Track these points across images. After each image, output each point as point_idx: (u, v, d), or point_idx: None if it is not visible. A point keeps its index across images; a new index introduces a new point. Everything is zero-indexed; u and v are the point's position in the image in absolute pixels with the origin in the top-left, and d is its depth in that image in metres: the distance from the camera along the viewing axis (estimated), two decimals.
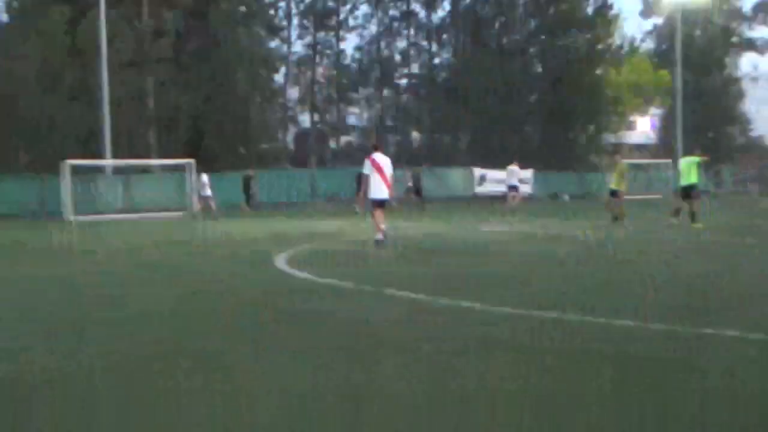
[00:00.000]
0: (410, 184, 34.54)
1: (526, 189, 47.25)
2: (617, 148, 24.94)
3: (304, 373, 5.58)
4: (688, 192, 20.96)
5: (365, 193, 17.72)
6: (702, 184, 36.91)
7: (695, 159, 21.66)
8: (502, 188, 45.88)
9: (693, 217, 20.03)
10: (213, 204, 31.17)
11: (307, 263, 13.28)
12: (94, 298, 10.20)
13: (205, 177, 31.92)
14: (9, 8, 44.19)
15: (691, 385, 5.14)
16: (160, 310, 8.90)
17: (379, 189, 17.28)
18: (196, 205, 33.89)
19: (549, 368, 5.64)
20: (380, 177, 17.25)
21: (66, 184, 33.66)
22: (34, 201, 35.66)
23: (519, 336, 6.66)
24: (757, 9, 64.59)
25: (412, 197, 34.04)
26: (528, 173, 48.75)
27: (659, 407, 4.64)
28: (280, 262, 13.41)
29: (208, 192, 31.46)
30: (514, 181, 37.13)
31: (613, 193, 21.79)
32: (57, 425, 4.53)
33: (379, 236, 16.83)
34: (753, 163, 60.37)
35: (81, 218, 31.06)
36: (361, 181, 26.36)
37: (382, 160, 17.30)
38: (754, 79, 67.50)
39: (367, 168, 17.42)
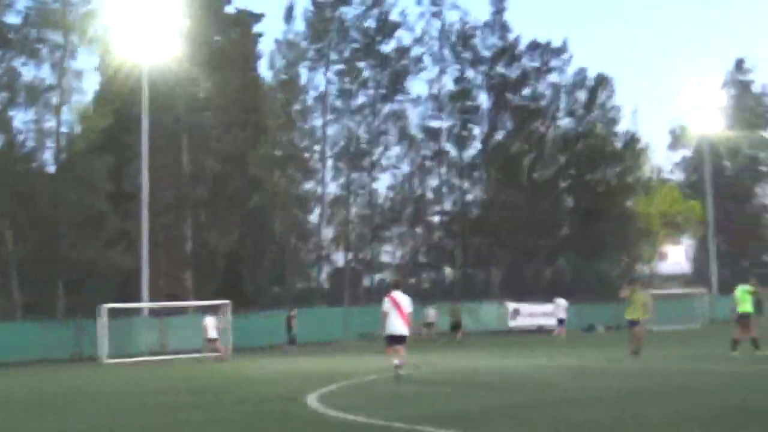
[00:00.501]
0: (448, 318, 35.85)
1: (561, 318, 46.37)
2: (633, 279, 24.83)
3: None
4: (744, 320, 20.43)
5: (382, 329, 17.97)
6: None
7: (748, 288, 20.95)
8: (536, 321, 47.45)
9: (755, 343, 19.60)
10: (220, 346, 30.46)
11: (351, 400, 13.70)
12: None
13: (209, 319, 31.29)
14: (57, 160, 45.36)
15: None
16: None
17: (395, 325, 17.57)
18: (221, 349, 32.70)
19: None
20: (398, 313, 17.53)
21: (102, 327, 33.94)
22: (70, 344, 35.61)
23: None
24: None
25: (446, 333, 35.10)
26: (563, 303, 47.94)
27: None
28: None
29: (214, 334, 30.71)
30: (562, 315, 38.44)
31: (633, 323, 20.82)
32: None
33: (400, 370, 17.08)
34: None
35: (115, 361, 31.23)
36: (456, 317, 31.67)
37: (402, 298, 17.60)
38: None
39: (386, 305, 17.71)
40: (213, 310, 34.55)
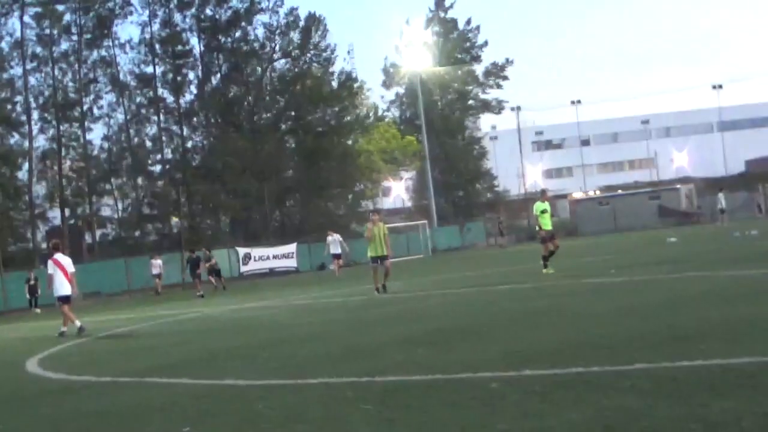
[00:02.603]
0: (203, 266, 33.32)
1: (291, 263, 48.47)
2: (375, 211, 23.86)
3: None
4: (548, 237, 20.61)
5: (51, 290, 18.76)
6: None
7: (544, 205, 21.04)
8: (268, 264, 47.81)
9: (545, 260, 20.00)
10: None
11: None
12: None
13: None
14: None
15: None
16: None
17: (62, 286, 18.24)
18: None
19: None
20: (63, 274, 18.28)
21: None
22: None
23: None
24: (489, 71, 66.80)
25: (212, 280, 33.26)
26: (292, 247, 49.12)
27: None
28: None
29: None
30: (338, 250, 38.71)
31: (376, 260, 19.89)
32: None
33: (63, 329, 17.76)
34: (501, 214, 62.30)
35: None
36: (193, 265, 32.66)
37: (64, 259, 18.49)
38: (493, 139, 71.51)
39: (50, 268, 18.43)
40: None
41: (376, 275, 19.58)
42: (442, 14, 67.62)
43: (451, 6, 67.60)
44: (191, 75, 56.88)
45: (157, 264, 36.53)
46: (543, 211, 20.53)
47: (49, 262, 18.81)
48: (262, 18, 56.37)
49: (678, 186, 60.03)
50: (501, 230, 55.58)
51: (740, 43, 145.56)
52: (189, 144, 56.96)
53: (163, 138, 55.64)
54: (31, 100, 51.33)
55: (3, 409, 8.97)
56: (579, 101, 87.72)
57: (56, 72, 51.53)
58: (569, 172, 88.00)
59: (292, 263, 48.45)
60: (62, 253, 19.16)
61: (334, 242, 39.28)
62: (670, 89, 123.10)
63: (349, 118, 58.83)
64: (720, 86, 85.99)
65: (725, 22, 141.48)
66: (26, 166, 51.23)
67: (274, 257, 48.62)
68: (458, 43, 66.95)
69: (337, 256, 38.92)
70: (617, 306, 11.62)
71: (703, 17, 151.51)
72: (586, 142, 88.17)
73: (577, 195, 63.97)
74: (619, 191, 61.26)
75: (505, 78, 67.71)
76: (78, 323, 17.78)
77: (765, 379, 5.81)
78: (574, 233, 54.40)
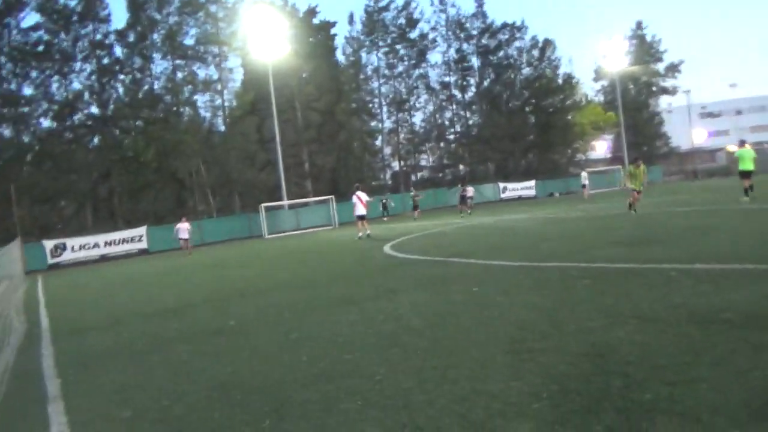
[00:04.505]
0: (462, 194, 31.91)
1: (531, 192, 50.47)
2: (636, 158, 18.19)
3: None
4: (747, 175, 18.15)
5: (354, 211, 20.20)
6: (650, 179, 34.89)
7: (751, 151, 18.54)
8: (518, 193, 49.56)
9: (750, 189, 17.71)
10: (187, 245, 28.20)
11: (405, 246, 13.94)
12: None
13: (180, 225, 28.64)
14: (225, 122, 46.60)
15: None
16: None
17: (360, 209, 19.98)
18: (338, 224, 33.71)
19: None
20: (361, 203, 20.03)
21: (262, 218, 36.19)
22: (246, 229, 38.05)
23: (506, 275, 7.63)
24: (667, 68, 66.86)
25: (460, 206, 32.04)
26: (532, 182, 51.42)
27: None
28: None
29: (186, 236, 28.06)
30: (586, 181, 38.44)
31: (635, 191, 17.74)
32: None
33: (360, 234, 19.25)
34: (674, 163, 63.48)
35: (272, 236, 33.77)
36: (461, 197, 29.98)
37: (363, 195, 20.15)
38: (669, 112, 71.40)
39: (354, 199, 20.23)
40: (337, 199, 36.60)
41: (635, 201, 17.62)
42: (638, 32, 67.35)
43: (645, 27, 67.67)
44: (472, 80, 60.88)
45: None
46: (749, 157, 18.33)
47: (353, 197, 20.41)
48: (516, 43, 60.40)
49: None
50: (696, 173, 54.98)
51: None
52: (470, 122, 60.44)
53: (455, 119, 60.53)
54: (382, 100, 58.54)
55: (377, 272, 10.01)
56: (735, 84, 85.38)
57: (395, 83, 58.95)
58: (727, 133, 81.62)
59: (532, 192, 50.64)
60: (362, 191, 20.50)
61: (584, 177, 38.29)
62: None
63: (569, 102, 60.70)
64: None
65: None
66: (379, 139, 58.83)
67: (520, 188, 50.30)
68: (646, 50, 66.20)
69: (584, 186, 38.03)
70: (761, 225, 10.56)
71: None
72: (739, 112, 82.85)
73: (731, 147, 62.57)
74: (766, 145, 56.97)
75: (679, 71, 66.76)
76: (368, 231, 19.23)
77: None
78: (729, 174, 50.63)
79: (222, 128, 46.78)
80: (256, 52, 40.02)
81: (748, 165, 18.11)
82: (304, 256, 16.32)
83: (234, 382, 4.76)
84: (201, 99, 45.89)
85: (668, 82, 67.75)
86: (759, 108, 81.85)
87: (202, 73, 45.73)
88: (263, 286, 10.41)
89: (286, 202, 39.01)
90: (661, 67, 67.12)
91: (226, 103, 46.53)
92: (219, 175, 44.20)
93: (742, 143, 18.87)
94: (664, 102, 69.97)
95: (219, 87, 45.79)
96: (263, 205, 36.82)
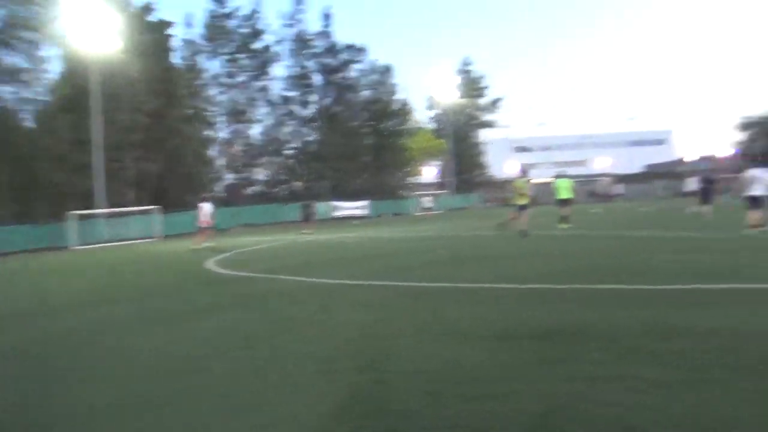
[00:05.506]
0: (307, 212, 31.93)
1: (364, 211, 49.67)
2: (524, 172, 17.53)
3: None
4: (565, 204, 18.29)
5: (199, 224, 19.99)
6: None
7: (567, 182, 18.68)
8: (351, 212, 48.23)
9: (564, 220, 17.82)
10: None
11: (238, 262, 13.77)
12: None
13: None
14: (35, 116, 41.09)
15: None
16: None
17: (206, 221, 20.23)
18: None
19: None
20: (201, 215, 20.24)
21: (73, 226, 32.86)
22: (47, 239, 33.14)
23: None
24: (489, 104, 68.94)
25: (305, 222, 31.50)
26: (366, 202, 50.49)
27: None
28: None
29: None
30: (428, 204, 36.68)
31: (521, 207, 16.70)
32: None
33: (195, 247, 18.94)
34: (490, 191, 64.57)
35: (83, 247, 30.92)
36: (307, 211, 29.42)
37: (208, 206, 20.41)
38: (487, 144, 71.23)
39: (199, 209, 20.45)
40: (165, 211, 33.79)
41: (514, 219, 16.74)
42: (464, 67, 69.95)
43: (471, 64, 70.31)
44: (312, 98, 57.53)
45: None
46: (565, 187, 18.34)
47: (200, 206, 20.56)
48: (357, 66, 57.80)
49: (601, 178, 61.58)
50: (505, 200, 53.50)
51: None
52: (309, 139, 57.40)
53: (294, 135, 56.77)
54: (219, 108, 53.66)
55: (200, 288, 9.76)
56: (544, 123, 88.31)
57: (235, 93, 53.68)
58: (535, 167, 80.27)
59: (365, 212, 49.75)
60: (209, 202, 20.62)
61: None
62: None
63: (403, 127, 59.78)
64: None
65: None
66: (214, 148, 53.30)
67: (353, 208, 49.45)
68: (472, 85, 68.36)
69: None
70: (572, 248, 11.42)
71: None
72: (547, 148, 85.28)
73: (536, 180, 64.71)
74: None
75: (498, 107, 70.61)
76: (209, 244, 19.20)
77: None
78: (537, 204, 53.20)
79: (31, 124, 40.89)
80: (79, 43, 35.55)
81: (565, 194, 18.18)
82: (116, 268, 15.11)
83: None
84: (4, 89, 38.92)
85: (489, 116, 70.86)
86: (563, 145, 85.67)
87: (9, 61, 38.65)
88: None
89: (102, 211, 35.43)
90: (483, 102, 69.78)
91: (39, 96, 40.45)
92: (21, 176, 37.88)
93: (558, 175, 19.39)
94: (483, 134, 71.00)
95: (27, 78, 38.86)
96: (73, 213, 32.89)
